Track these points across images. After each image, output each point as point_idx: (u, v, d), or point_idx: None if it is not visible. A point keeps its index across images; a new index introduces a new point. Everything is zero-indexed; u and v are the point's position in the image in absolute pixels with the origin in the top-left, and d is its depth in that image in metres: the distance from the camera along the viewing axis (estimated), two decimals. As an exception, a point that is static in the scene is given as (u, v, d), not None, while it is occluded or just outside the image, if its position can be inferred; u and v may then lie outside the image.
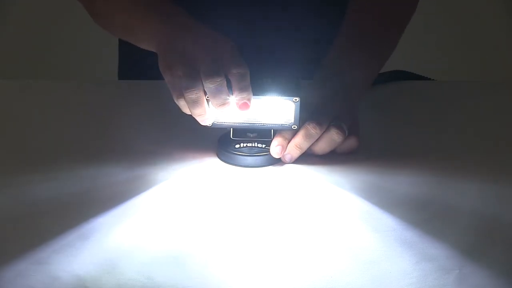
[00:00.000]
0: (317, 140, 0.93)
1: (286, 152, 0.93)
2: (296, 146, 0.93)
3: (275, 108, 0.91)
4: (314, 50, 1.16)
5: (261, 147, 0.94)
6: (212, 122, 0.91)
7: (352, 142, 0.94)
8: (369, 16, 1.09)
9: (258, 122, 0.92)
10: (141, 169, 0.92)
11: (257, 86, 0.89)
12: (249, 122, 0.92)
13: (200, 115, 0.90)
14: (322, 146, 0.93)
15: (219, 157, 0.95)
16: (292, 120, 0.91)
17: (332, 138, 0.92)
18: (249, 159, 0.93)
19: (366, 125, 0.99)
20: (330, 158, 0.95)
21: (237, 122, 0.91)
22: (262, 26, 1.17)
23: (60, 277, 0.71)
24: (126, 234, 0.78)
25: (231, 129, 0.93)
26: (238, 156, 0.93)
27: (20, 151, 0.97)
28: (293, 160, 0.93)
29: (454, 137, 1.01)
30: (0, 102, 1.12)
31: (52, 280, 0.71)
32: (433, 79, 1.28)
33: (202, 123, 0.91)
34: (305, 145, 0.93)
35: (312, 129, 0.92)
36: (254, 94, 0.89)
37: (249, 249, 0.76)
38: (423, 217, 0.82)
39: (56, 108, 1.09)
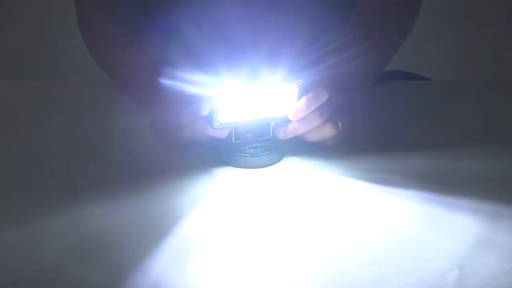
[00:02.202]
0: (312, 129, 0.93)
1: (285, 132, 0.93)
2: (294, 130, 0.93)
3: (276, 97, 0.91)
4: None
5: (265, 145, 0.93)
6: (218, 125, 0.89)
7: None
8: (375, 16, 1.10)
9: (260, 117, 0.91)
10: (144, 173, 0.92)
11: (255, 74, 0.88)
12: (252, 118, 0.90)
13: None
14: (313, 136, 0.94)
15: (226, 162, 0.93)
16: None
17: (324, 132, 0.93)
18: (257, 159, 0.92)
19: (365, 124, 0.99)
20: (331, 156, 0.95)
21: (241, 120, 0.90)
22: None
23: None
24: (129, 234, 0.78)
25: (233, 131, 0.92)
26: (247, 157, 0.92)
27: (20, 151, 0.97)
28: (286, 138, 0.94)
29: (454, 137, 1.01)
30: (0, 102, 1.12)
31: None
32: (433, 79, 1.28)
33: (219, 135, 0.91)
34: (301, 131, 0.93)
35: (314, 120, 0.92)
36: (252, 82, 0.88)
37: (248, 250, 0.76)
38: (423, 216, 0.82)
39: (57, 108, 1.09)
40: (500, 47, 2.36)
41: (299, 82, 0.90)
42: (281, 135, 0.93)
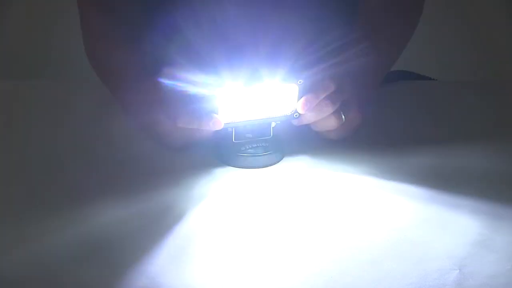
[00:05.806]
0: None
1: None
2: (307, 118, 0.93)
3: (277, 97, 0.91)
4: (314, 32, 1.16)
5: (265, 145, 0.93)
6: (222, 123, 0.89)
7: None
8: (379, 15, 1.11)
9: (260, 117, 0.91)
10: (143, 173, 0.91)
11: (256, 74, 0.88)
12: (252, 118, 0.90)
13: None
14: (320, 125, 0.94)
15: (226, 162, 0.93)
16: (295, 108, 0.91)
17: (329, 123, 0.94)
18: (257, 159, 0.92)
19: (366, 124, 0.99)
20: (332, 156, 0.95)
21: (241, 120, 0.90)
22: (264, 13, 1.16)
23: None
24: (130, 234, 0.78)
25: (233, 132, 0.92)
26: (247, 157, 0.92)
27: (20, 151, 0.97)
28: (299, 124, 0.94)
29: (455, 137, 1.01)
30: (0, 102, 1.12)
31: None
32: (435, 79, 1.28)
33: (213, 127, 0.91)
34: (313, 119, 0.93)
35: (326, 107, 0.92)
36: (253, 83, 0.88)
37: (248, 250, 0.76)
38: (423, 216, 0.82)
39: (56, 108, 1.09)
40: (501, 48, 2.36)
41: (300, 82, 0.90)
42: (295, 122, 0.93)
